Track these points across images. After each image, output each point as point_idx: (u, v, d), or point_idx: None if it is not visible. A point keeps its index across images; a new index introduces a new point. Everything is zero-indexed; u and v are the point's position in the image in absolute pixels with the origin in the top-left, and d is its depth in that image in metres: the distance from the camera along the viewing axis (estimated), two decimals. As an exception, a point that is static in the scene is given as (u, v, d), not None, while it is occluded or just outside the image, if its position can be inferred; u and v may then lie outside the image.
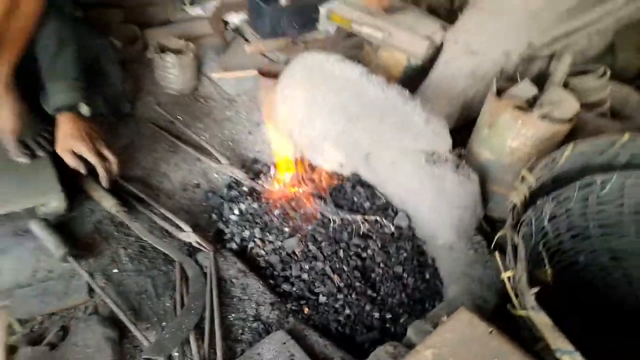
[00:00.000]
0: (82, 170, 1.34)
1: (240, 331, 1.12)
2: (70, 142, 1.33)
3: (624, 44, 1.80)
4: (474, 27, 1.66)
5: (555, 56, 1.59)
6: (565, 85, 1.46)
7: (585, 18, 1.57)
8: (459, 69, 1.64)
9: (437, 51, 1.77)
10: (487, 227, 1.38)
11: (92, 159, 1.33)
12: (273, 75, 1.79)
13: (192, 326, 1.09)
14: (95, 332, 1.08)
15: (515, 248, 1.03)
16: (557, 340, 0.88)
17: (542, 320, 0.91)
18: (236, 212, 1.42)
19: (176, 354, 1.05)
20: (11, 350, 1.04)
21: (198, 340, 1.08)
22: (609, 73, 1.45)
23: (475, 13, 1.69)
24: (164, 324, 1.12)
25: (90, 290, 1.18)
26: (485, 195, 1.40)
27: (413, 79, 1.81)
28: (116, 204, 1.35)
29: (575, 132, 1.36)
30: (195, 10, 2.34)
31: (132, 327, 1.09)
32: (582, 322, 1.14)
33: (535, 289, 0.93)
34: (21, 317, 1.12)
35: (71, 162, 1.33)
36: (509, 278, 1.03)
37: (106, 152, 1.37)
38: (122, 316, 1.11)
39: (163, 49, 1.93)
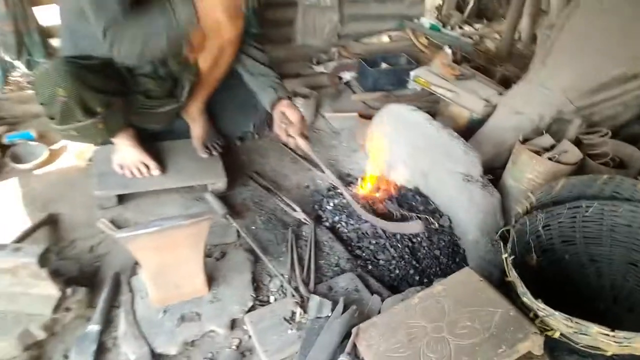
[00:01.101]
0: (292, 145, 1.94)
1: (326, 270, 1.75)
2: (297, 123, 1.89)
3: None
4: (520, 95, 2.22)
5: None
6: (579, 140, 1.97)
7: (606, 95, 2.06)
8: (505, 124, 2.19)
9: (493, 109, 2.36)
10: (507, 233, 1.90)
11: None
12: (369, 117, 2.46)
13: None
14: (241, 255, 1.78)
15: (512, 239, 1.57)
16: (520, 287, 1.40)
17: (514, 276, 1.44)
18: (331, 204, 2.06)
19: (286, 276, 1.72)
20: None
21: (301, 271, 1.73)
22: (610, 134, 1.93)
23: (524, 84, 2.26)
24: (281, 258, 1.80)
25: (238, 235, 1.90)
26: (509, 211, 1.93)
27: (474, 128, 2.39)
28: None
29: (582, 173, 1.86)
30: (319, 68, 3.12)
31: (263, 257, 1.76)
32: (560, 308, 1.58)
33: (509, 249, 1.46)
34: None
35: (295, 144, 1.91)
36: (505, 258, 1.57)
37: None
38: (257, 250, 1.79)
39: (294, 94, 2.69)
